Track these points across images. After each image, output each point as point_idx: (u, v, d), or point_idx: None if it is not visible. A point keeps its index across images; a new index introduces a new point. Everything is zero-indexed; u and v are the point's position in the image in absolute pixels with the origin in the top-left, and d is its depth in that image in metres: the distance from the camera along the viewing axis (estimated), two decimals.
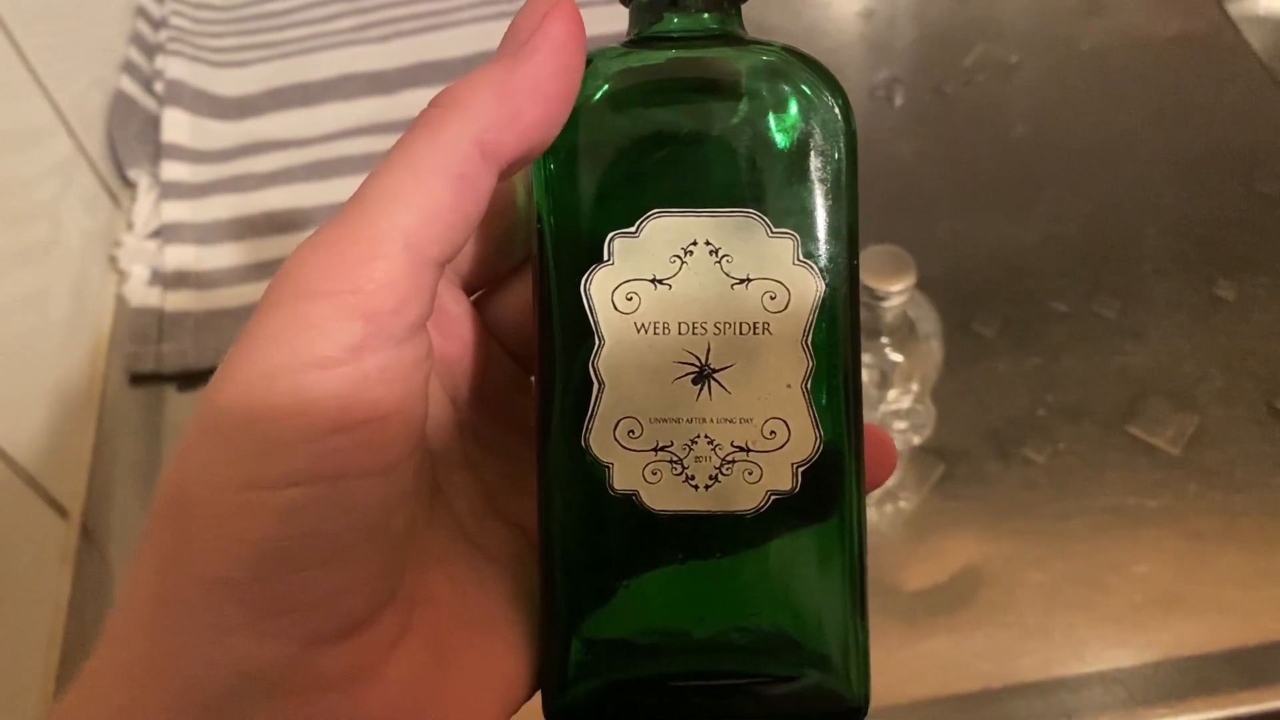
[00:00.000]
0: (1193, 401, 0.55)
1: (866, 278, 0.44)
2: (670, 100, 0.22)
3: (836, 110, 0.22)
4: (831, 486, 0.22)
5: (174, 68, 0.70)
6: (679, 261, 0.22)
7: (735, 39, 0.23)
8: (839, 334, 0.22)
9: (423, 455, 0.21)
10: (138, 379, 0.59)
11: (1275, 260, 0.61)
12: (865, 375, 0.49)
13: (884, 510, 0.53)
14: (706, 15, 0.23)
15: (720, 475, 0.22)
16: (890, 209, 0.63)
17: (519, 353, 0.25)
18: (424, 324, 0.19)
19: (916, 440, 0.52)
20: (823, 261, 0.22)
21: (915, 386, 0.49)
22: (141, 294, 0.61)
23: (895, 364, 0.48)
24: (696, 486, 0.22)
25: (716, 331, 0.22)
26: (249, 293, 0.61)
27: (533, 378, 0.25)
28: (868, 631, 0.23)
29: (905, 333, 0.48)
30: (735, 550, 0.22)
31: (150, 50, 0.72)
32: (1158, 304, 0.59)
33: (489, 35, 0.72)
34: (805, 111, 0.22)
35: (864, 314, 0.46)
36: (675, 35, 0.23)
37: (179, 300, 0.61)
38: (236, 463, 0.17)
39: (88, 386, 0.59)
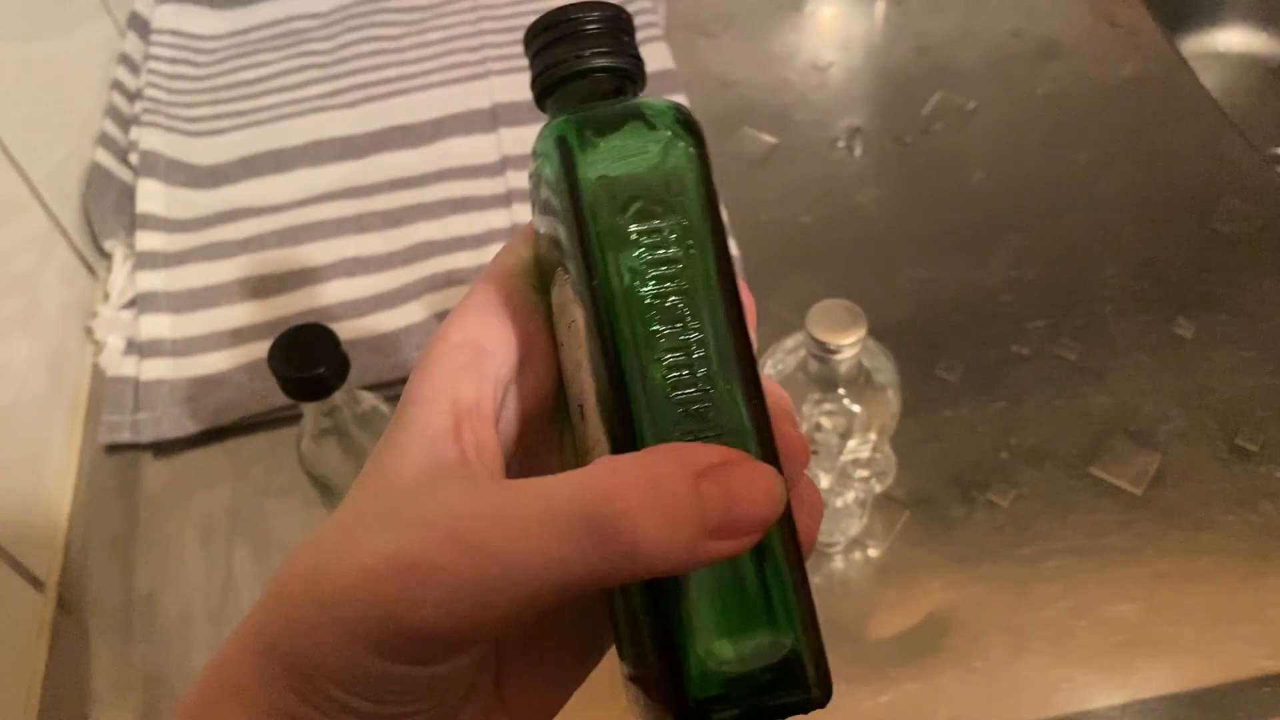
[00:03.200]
0: (1154, 441, 0.56)
1: (818, 332, 0.45)
2: None
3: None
4: None
5: (149, 139, 0.71)
6: None
7: None
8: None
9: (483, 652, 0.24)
10: (114, 448, 0.60)
11: (1233, 298, 0.61)
12: (829, 423, 0.50)
13: (851, 558, 0.53)
14: None
15: None
16: (852, 257, 0.64)
17: None
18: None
19: (879, 488, 0.53)
20: None
21: (874, 435, 0.49)
22: (117, 364, 0.62)
23: (854, 414, 0.49)
24: None
25: None
26: (223, 359, 0.62)
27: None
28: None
29: (862, 383, 0.48)
30: None
31: (125, 122, 0.73)
32: (1118, 344, 0.60)
33: (456, 99, 0.73)
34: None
35: (819, 367, 0.47)
36: None
37: (154, 369, 0.62)
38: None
39: (64, 457, 0.60)
